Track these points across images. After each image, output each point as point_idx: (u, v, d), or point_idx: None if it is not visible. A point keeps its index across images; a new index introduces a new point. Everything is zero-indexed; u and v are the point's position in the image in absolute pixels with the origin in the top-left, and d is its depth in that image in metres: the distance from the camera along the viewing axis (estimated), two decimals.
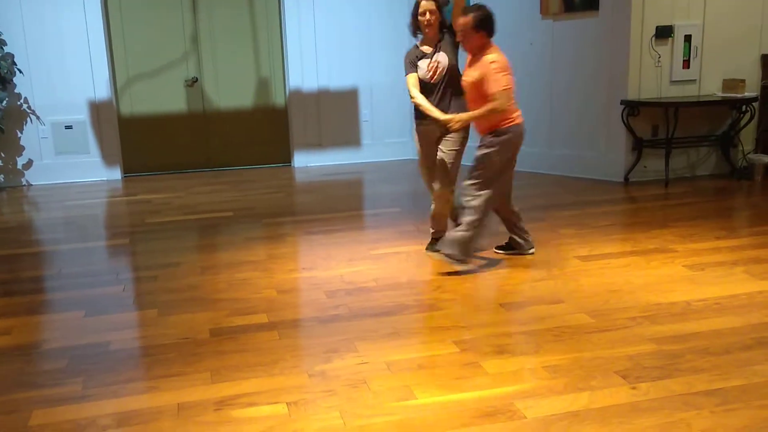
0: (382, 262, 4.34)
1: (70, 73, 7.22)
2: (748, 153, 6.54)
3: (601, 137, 6.53)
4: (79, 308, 3.69)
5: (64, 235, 5.42)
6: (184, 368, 2.93)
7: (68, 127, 7.35)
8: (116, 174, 7.56)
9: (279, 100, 7.95)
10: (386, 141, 8.15)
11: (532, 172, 6.79)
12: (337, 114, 8.00)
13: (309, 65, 7.79)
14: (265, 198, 6.40)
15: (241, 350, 3.09)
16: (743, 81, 6.26)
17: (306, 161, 8.01)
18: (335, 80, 7.91)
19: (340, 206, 5.98)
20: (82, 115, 7.37)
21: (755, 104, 6.36)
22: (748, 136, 6.59)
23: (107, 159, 7.52)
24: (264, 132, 7.99)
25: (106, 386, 2.79)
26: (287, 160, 8.09)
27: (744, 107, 6.34)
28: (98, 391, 2.75)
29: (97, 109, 7.37)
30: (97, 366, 2.98)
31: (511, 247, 4.36)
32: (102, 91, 7.34)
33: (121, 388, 2.78)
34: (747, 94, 6.27)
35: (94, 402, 2.67)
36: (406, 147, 8.04)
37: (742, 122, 6.41)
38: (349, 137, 8.11)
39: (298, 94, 7.84)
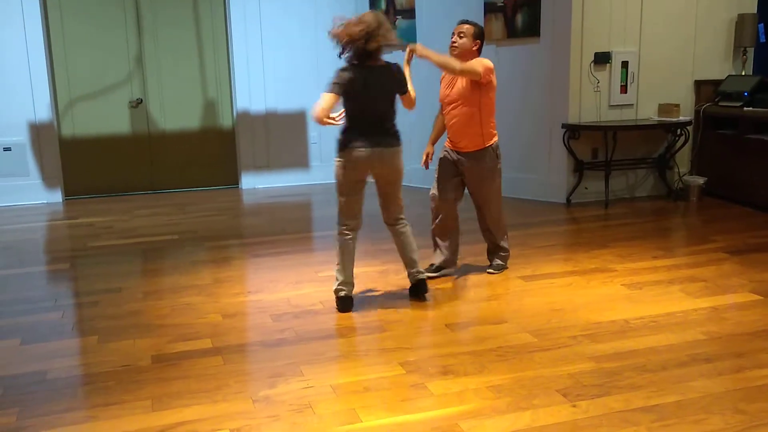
0: (330, 284, 4.31)
1: (9, 93, 7.03)
2: (684, 175, 6.78)
3: (543, 160, 6.69)
4: (16, 336, 3.58)
5: (0, 260, 5.25)
6: (124, 396, 2.86)
7: (7, 149, 7.15)
8: (57, 197, 7.38)
9: (226, 121, 7.90)
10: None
11: None
12: (285, 136, 7.99)
13: (257, 87, 7.77)
14: (211, 220, 6.33)
15: (184, 377, 3.04)
16: (677, 105, 6.51)
17: (254, 183, 7.96)
18: (283, 102, 7.91)
19: (288, 228, 5.96)
20: (22, 137, 7.17)
21: (689, 128, 6.62)
22: (683, 159, 6.85)
23: (48, 181, 7.33)
24: (211, 154, 7.91)
25: (42, 417, 2.71)
26: (235, 182, 8.03)
27: (679, 131, 6.58)
28: (34, 422, 2.67)
29: (37, 130, 7.19)
30: (33, 396, 2.90)
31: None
32: (42, 112, 7.17)
33: (59, 418, 2.70)
34: (681, 118, 6.51)
35: None
36: None
37: (677, 145, 6.65)
38: (298, 159, 8.10)
39: (245, 116, 7.81)
